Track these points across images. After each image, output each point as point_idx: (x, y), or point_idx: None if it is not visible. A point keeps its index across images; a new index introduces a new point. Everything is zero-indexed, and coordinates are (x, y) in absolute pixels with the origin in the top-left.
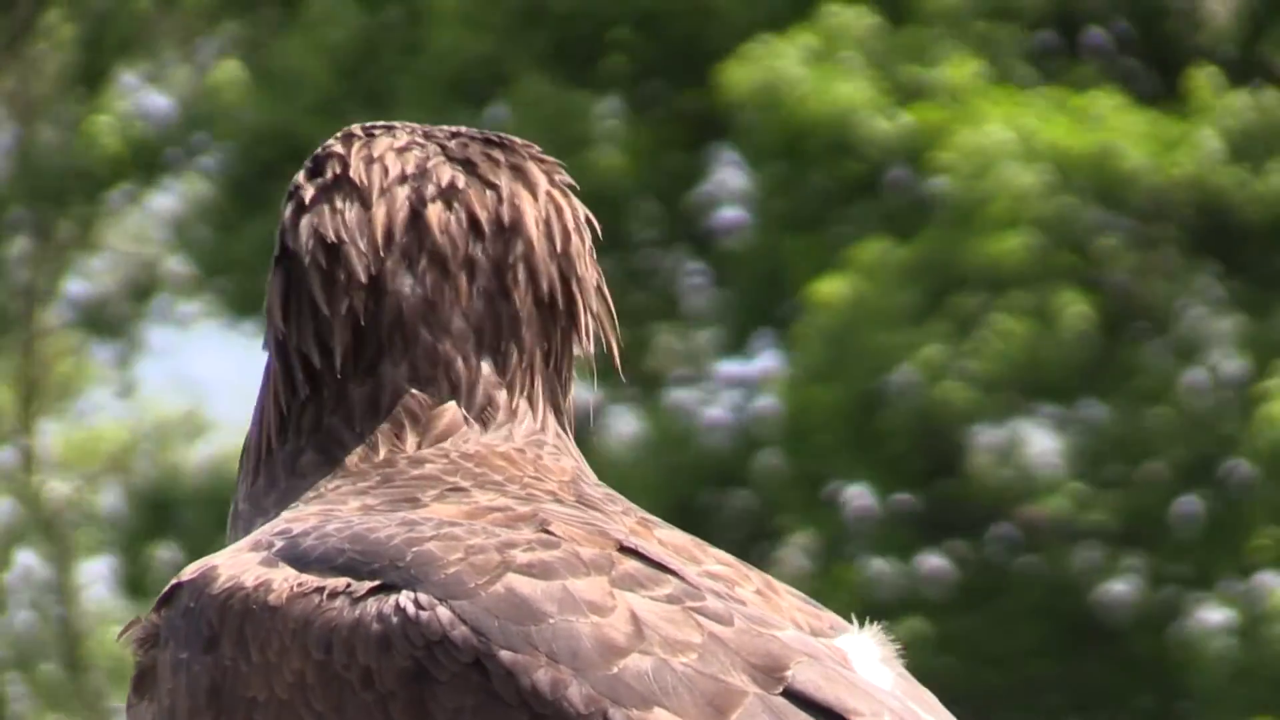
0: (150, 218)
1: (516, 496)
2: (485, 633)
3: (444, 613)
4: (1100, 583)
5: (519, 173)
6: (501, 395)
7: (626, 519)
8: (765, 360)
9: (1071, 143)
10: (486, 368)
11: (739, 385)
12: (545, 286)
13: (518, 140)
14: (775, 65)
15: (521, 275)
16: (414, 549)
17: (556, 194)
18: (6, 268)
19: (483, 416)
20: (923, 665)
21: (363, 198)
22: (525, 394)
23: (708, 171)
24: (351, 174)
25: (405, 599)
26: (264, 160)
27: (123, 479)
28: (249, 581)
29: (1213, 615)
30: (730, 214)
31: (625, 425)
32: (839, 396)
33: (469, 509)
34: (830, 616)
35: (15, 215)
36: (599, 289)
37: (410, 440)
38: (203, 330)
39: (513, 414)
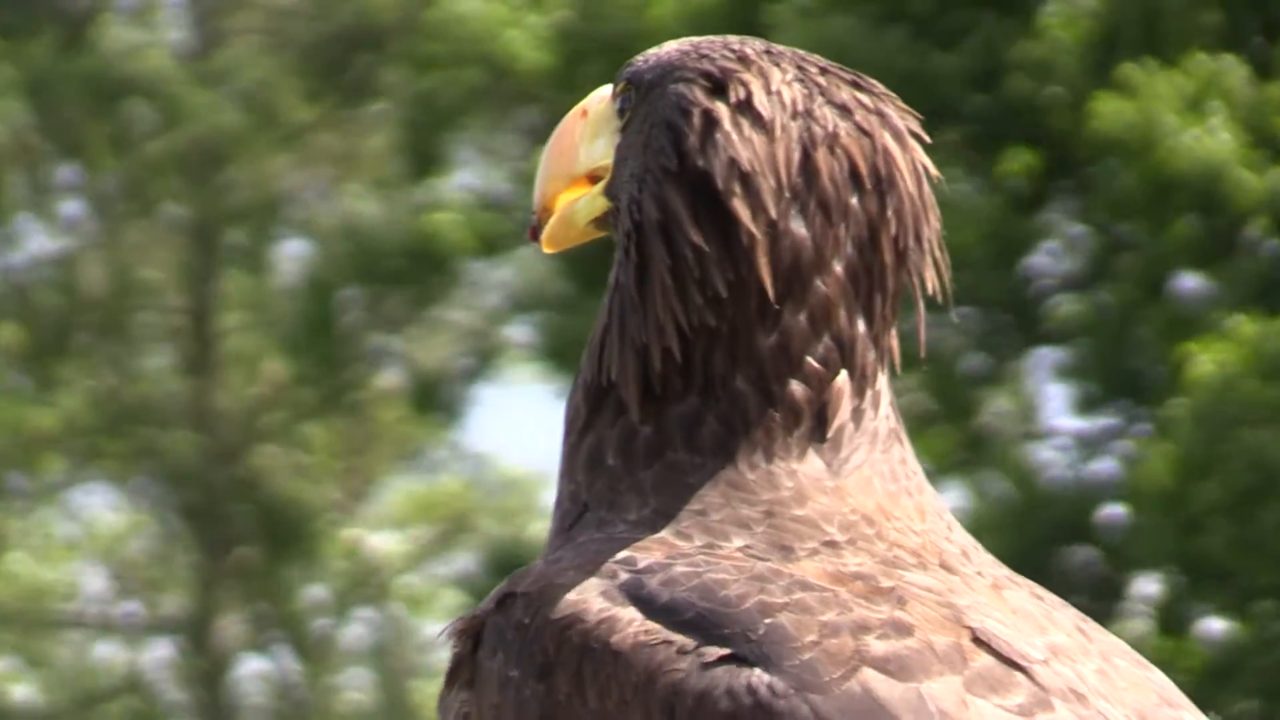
0: (489, 290)
1: (883, 560)
2: None
3: (800, 706)
4: None
5: (885, 121)
6: (871, 356)
7: (981, 581)
8: (1118, 421)
9: None
10: (861, 324)
11: (1091, 444)
12: (908, 239)
13: (876, 84)
14: (1148, 106)
15: (893, 228)
16: (767, 620)
17: (916, 146)
18: (346, 334)
19: (860, 387)
20: None
21: (767, 130)
22: (883, 355)
23: (1050, 228)
24: (756, 103)
25: (759, 679)
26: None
27: (466, 537)
28: (591, 614)
29: None
30: (1072, 269)
31: (969, 486)
32: (1213, 491)
33: (834, 572)
34: (1158, 681)
35: (352, 284)
36: (942, 242)
37: (804, 426)
38: (538, 399)
39: (876, 397)
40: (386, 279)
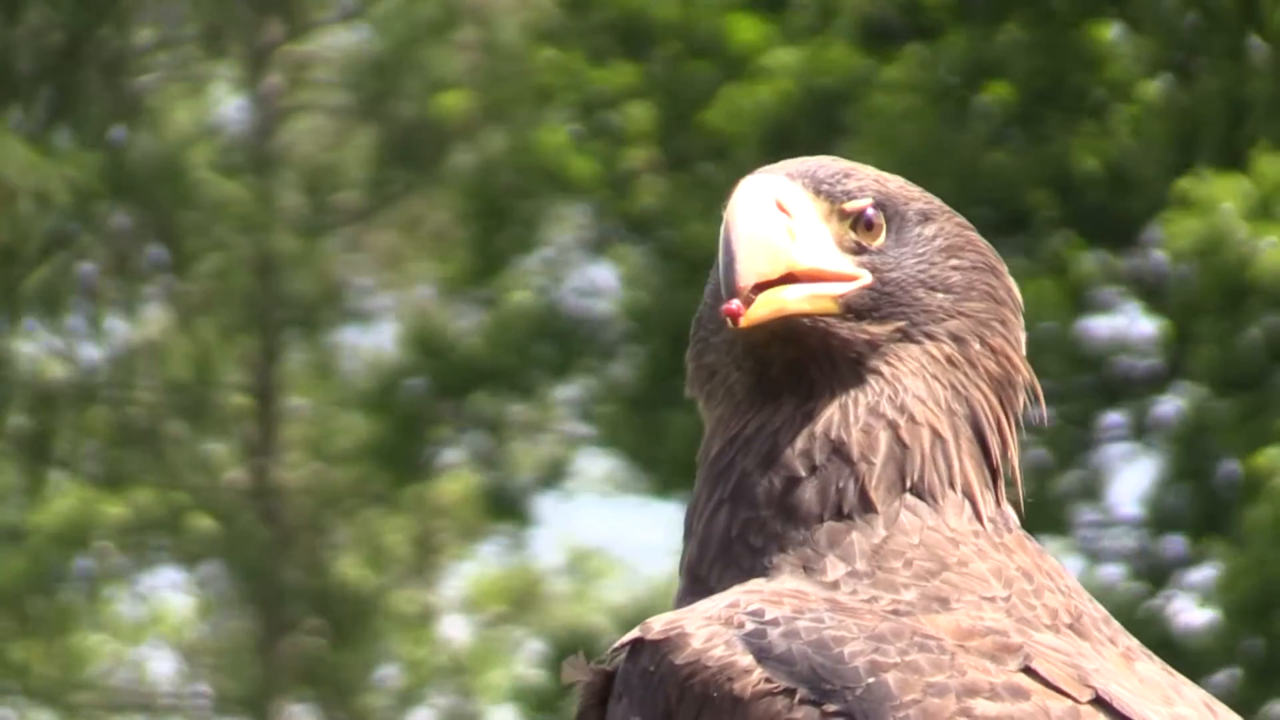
0: (564, 402)
1: (1020, 619)
2: None
3: None
4: None
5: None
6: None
7: (1112, 648)
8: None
9: None
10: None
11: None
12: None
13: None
14: (1215, 220)
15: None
16: (870, 678)
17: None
18: (414, 422)
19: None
20: None
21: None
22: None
23: (1122, 320)
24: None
25: None
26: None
27: (530, 622)
28: (713, 662)
29: None
30: (1148, 366)
31: None
32: None
33: (969, 628)
34: None
35: (421, 378)
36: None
37: (991, 494)
38: (610, 495)
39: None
40: (456, 378)
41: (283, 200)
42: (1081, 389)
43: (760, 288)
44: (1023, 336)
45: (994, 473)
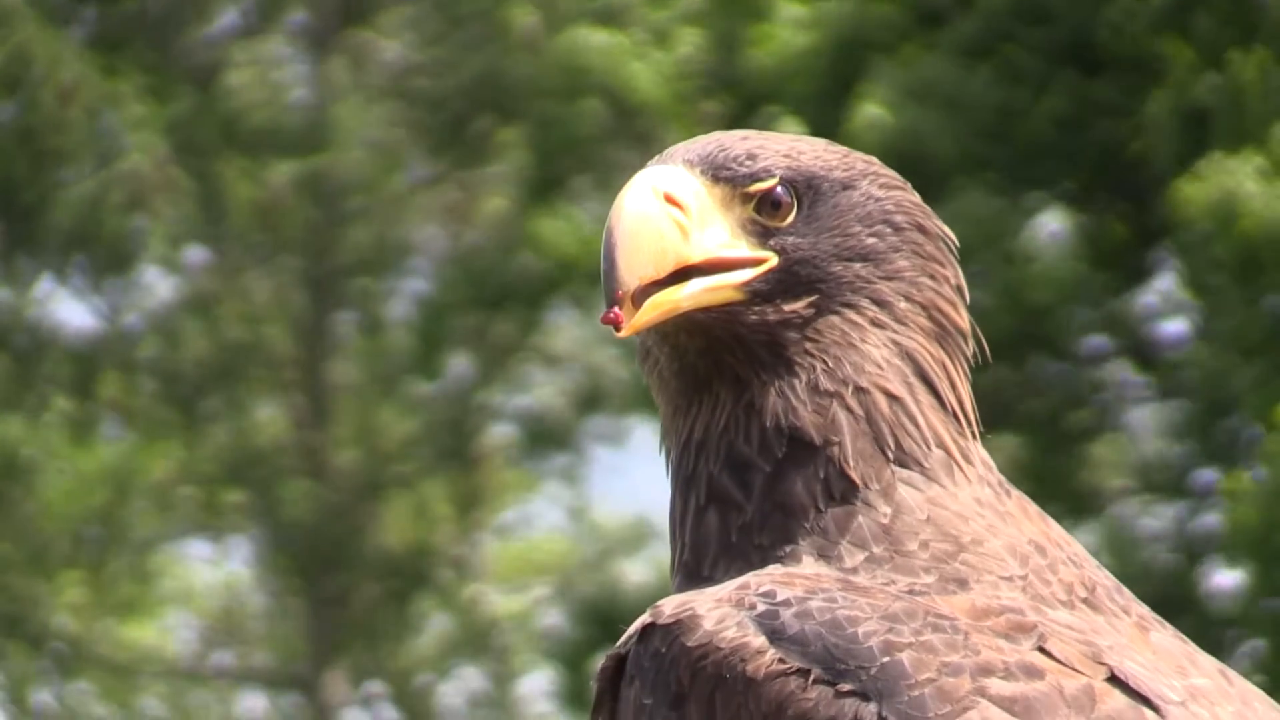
0: (593, 328)
1: (1036, 596)
2: None
3: None
4: None
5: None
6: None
7: (1125, 620)
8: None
9: None
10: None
11: (1184, 498)
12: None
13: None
14: (1229, 182)
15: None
16: (885, 658)
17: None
18: (448, 381)
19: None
20: None
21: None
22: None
23: (1149, 284)
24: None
25: (874, 712)
26: None
27: (564, 591)
28: (725, 644)
29: None
30: (1173, 328)
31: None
32: None
33: (984, 607)
34: None
35: (458, 325)
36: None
37: (976, 459)
38: (645, 443)
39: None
40: (494, 305)
41: (338, 167)
42: (1106, 351)
43: (650, 290)
44: (955, 286)
45: (957, 420)
